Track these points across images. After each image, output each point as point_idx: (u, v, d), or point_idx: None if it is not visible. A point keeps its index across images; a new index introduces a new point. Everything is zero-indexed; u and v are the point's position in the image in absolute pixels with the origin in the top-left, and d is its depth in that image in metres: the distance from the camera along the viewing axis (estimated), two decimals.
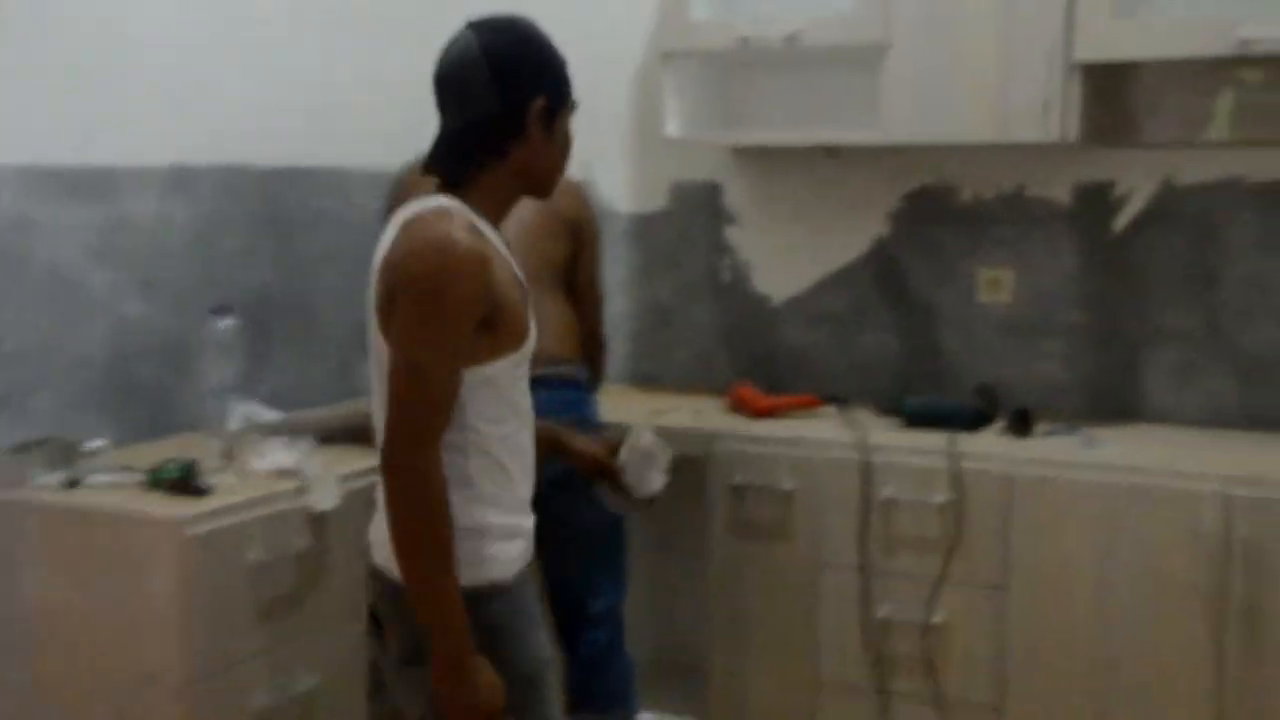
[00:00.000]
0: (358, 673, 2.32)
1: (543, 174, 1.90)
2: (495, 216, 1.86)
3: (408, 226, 1.78)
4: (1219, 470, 2.56)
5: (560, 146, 1.91)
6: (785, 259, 3.39)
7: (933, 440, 2.78)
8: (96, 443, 2.37)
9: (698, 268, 3.51)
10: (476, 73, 1.81)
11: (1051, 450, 2.74)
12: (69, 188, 2.49)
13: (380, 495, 1.83)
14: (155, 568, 2.12)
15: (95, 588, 2.18)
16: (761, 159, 3.40)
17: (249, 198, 2.88)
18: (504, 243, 1.85)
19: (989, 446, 2.78)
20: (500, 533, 1.84)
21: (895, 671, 2.79)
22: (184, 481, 2.22)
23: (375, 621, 1.92)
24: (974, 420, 2.92)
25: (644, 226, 3.56)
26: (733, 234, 3.47)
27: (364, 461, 2.53)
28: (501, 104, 1.81)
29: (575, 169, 2.88)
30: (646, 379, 3.58)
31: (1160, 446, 2.78)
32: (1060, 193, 3.11)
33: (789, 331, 3.40)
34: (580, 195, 2.76)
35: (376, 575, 1.89)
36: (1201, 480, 2.55)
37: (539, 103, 1.83)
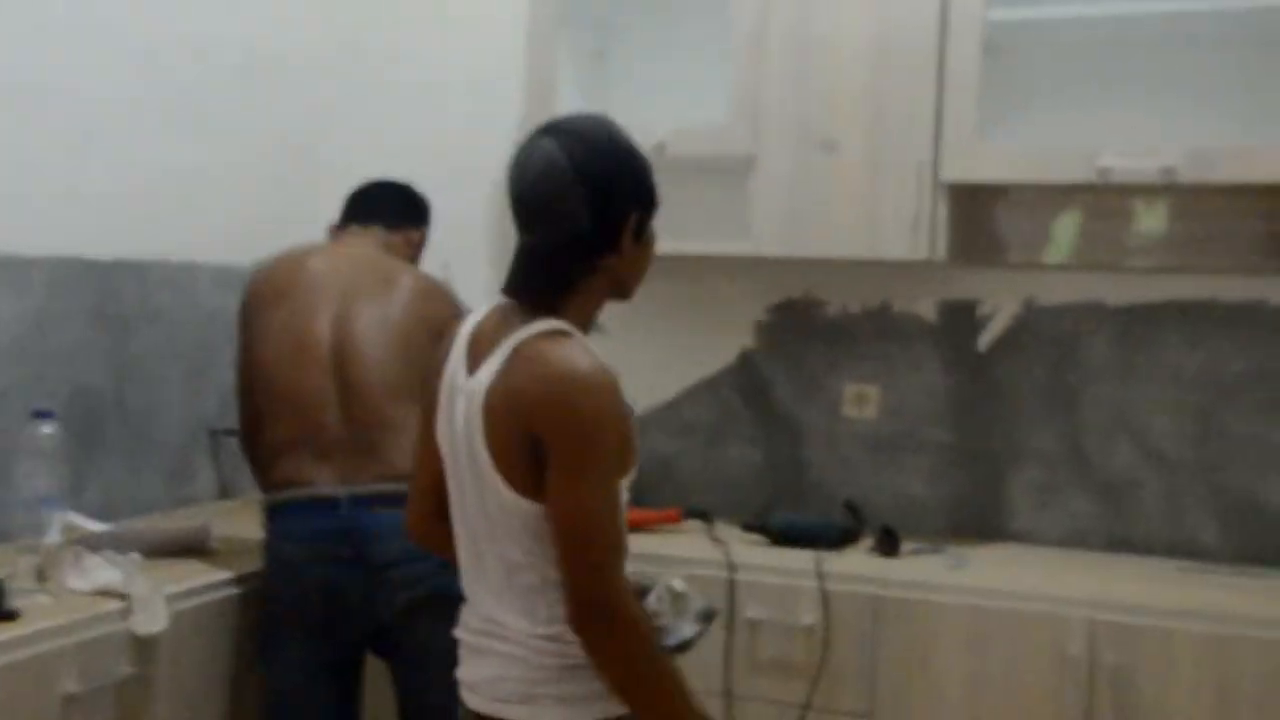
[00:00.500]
0: None
1: (632, 279, 1.87)
2: (586, 328, 1.81)
3: (529, 358, 1.71)
4: (1085, 594, 2.57)
5: (648, 249, 1.86)
6: (651, 369, 3.34)
7: (800, 559, 2.73)
8: None
9: None
10: (569, 191, 1.75)
11: (919, 571, 2.72)
12: None
13: (498, 643, 1.79)
14: None
15: None
16: None
17: (83, 292, 2.73)
18: None
19: (857, 566, 2.74)
20: None
21: None
22: None
23: None
24: (841, 538, 2.89)
25: None
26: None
27: (197, 578, 2.43)
28: (597, 223, 1.76)
29: (436, 270, 2.83)
30: None
31: (1026, 568, 2.79)
32: (926, 310, 3.15)
33: (654, 442, 3.34)
34: (450, 301, 2.66)
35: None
36: (1069, 605, 2.54)
37: (633, 216, 1.79)
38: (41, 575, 2.20)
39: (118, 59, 2.82)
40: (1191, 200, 2.90)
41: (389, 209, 2.80)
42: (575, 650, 1.72)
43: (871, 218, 2.84)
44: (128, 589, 2.18)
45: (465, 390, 1.78)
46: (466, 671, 1.85)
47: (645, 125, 3.02)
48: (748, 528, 2.95)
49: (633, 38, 3.34)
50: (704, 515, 3.04)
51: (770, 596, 2.71)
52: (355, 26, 3.54)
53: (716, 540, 2.87)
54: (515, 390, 1.71)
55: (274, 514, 2.49)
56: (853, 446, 3.20)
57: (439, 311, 2.59)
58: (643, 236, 1.84)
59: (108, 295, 2.79)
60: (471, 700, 1.83)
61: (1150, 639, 2.48)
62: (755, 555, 2.79)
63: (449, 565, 2.42)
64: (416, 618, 2.40)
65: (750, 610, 2.70)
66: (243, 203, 3.18)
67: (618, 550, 1.70)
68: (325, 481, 2.44)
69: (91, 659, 2.06)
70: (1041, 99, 3.00)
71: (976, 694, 2.57)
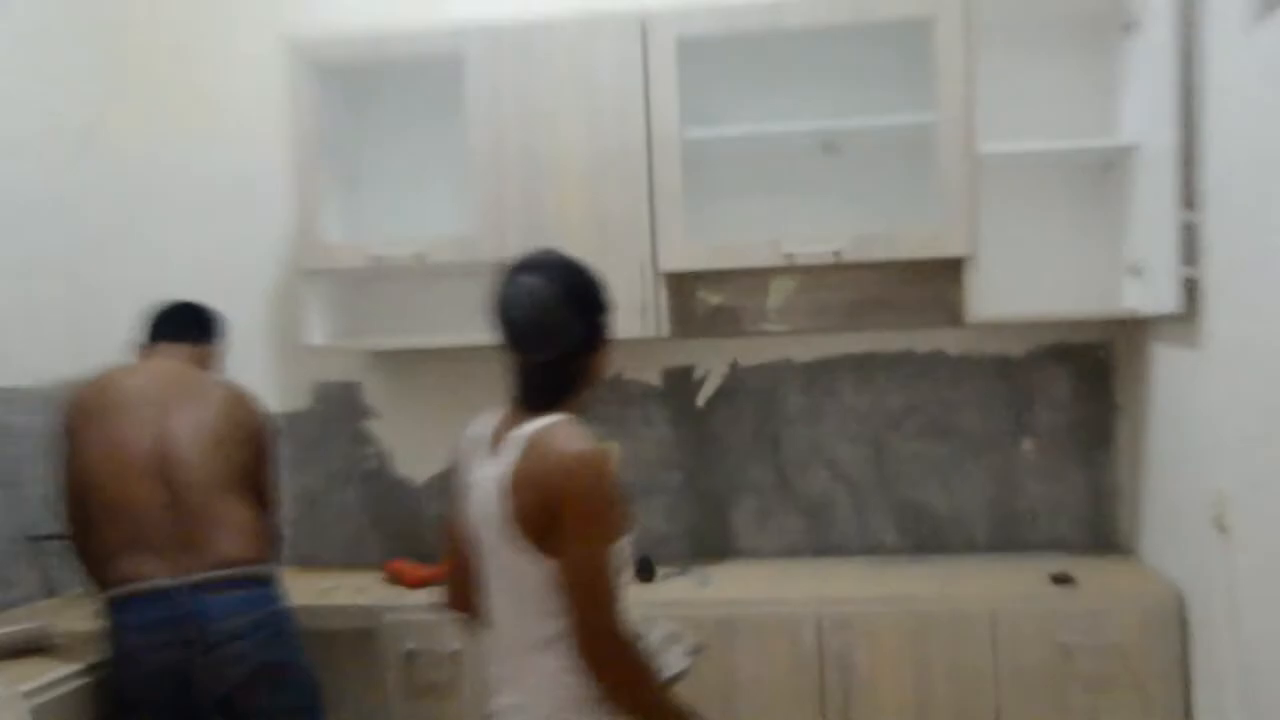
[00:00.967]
0: None
1: (606, 367, 2.21)
2: (583, 414, 2.15)
3: (546, 443, 2.02)
4: (808, 594, 3.08)
5: (612, 341, 2.20)
6: (422, 444, 3.71)
7: None
8: None
9: (343, 457, 3.77)
10: (564, 313, 2.08)
11: (674, 591, 3.19)
12: None
13: (535, 678, 2.06)
14: None
15: None
16: (396, 359, 3.74)
17: None
18: None
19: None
20: None
21: None
22: None
23: None
24: None
25: (291, 423, 3.76)
26: (374, 426, 3.78)
27: (48, 673, 2.56)
28: (589, 333, 2.12)
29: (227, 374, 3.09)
30: (306, 560, 3.76)
31: (757, 580, 3.28)
32: (652, 376, 3.64)
33: (434, 507, 3.70)
34: (257, 405, 2.94)
35: None
36: (798, 604, 3.05)
37: (607, 319, 2.15)
38: None
39: None
40: (852, 274, 3.46)
41: (192, 327, 3.05)
42: (590, 687, 2.05)
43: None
44: None
45: (491, 475, 2.09)
46: (498, 701, 2.16)
47: (404, 237, 3.42)
48: None
49: (382, 164, 3.65)
50: None
51: None
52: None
53: None
54: (535, 471, 2.02)
55: (115, 608, 2.65)
56: None
57: (248, 416, 2.91)
58: (608, 333, 2.20)
59: None
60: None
61: (860, 622, 3.01)
62: None
63: (279, 637, 2.73)
64: (254, 686, 2.67)
65: None
66: (30, 327, 3.34)
67: (617, 594, 2.02)
68: (160, 575, 2.64)
69: None
70: (730, 197, 3.48)
71: (731, 690, 3.03)
